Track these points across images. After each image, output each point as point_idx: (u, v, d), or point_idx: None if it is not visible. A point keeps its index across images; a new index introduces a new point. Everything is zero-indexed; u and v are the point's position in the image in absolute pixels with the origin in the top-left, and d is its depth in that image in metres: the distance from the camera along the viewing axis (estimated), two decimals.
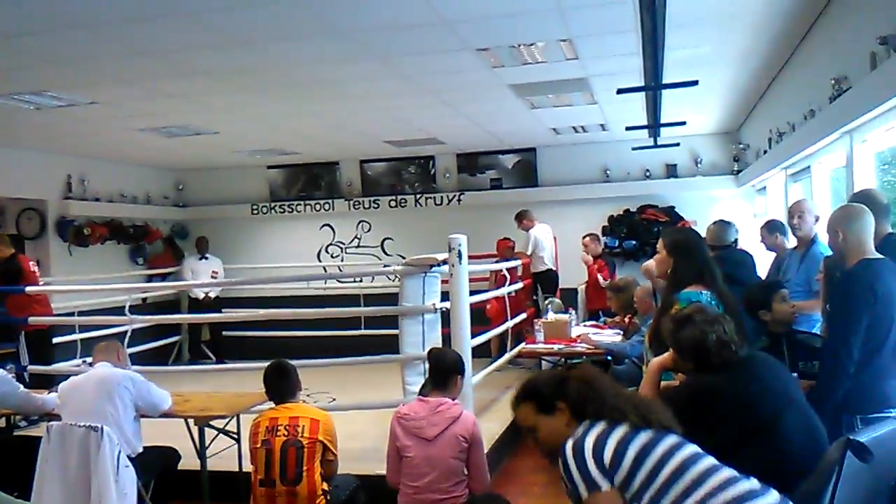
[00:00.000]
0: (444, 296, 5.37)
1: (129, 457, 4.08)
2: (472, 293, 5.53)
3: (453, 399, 3.58)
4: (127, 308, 6.69)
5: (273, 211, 10.68)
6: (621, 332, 6.27)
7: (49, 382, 5.72)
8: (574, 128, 8.53)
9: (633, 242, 9.35)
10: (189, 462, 4.56)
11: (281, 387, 3.93)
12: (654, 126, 6.77)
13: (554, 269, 8.83)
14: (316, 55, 5.18)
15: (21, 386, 4.56)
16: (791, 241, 4.98)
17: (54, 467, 3.95)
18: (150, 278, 10.11)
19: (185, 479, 4.57)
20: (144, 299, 9.59)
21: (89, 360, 4.95)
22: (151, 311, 9.37)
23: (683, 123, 6.67)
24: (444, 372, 3.63)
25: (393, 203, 10.30)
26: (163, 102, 6.38)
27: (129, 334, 6.38)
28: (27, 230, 8.86)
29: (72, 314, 7.78)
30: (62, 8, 4.03)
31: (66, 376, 4.77)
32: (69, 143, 8.28)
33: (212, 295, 9.89)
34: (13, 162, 8.29)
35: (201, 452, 4.45)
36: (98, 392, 4.32)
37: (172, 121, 7.27)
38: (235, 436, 4.65)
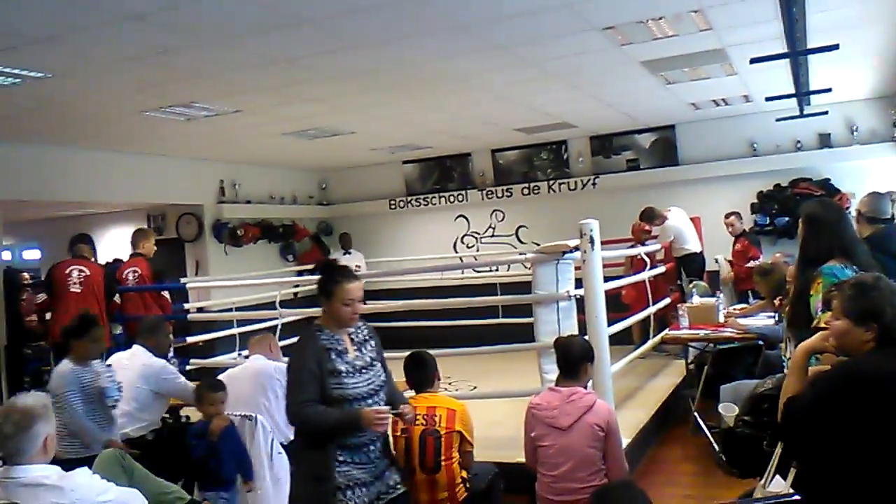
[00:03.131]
0: (580, 283, 5.29)
1: (282, 444, 4.32)
2: (608, 279, 5.41)
3: (584, 387, 3.53)
4: (277, 302, 7.08)
5: (409, 205, 10.94)
6: (774, 316, 5.93)
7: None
8: (714, 101, 8.11)
9: (786, 219, 8.78)
10: None
11: (418, 376, 4.01)
12: (797, 95, 6.32)
13: (698, 251, 8.47)
14: (440, 51, 5.23)
15: (182, 377, 4.93)
16: None
17: None
18: (299, 274, 10.62)
19: None
20: (296, 294, 10.11)
21: (246, 353, 5.30)
22: (302, 305, 9.85)
23: (828, 90, 6.18)
24: (572, 361, 3.58)
25: (526, 191, 10.26)
26: (300, 107, 6.68)
27: (279, 327, 6.76)
28: (186, 233, 9.59)
29: (230, 310, 8.32)
30: (203, 24, 4.30)
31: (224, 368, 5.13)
32: (219, 150, 8.85)
33: None
34: (171, 170, 8.98)
35: None
36: (253, 384, 4.62)
37: (311, 124, 7.59)
38: None
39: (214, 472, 4.07)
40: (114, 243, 10.58)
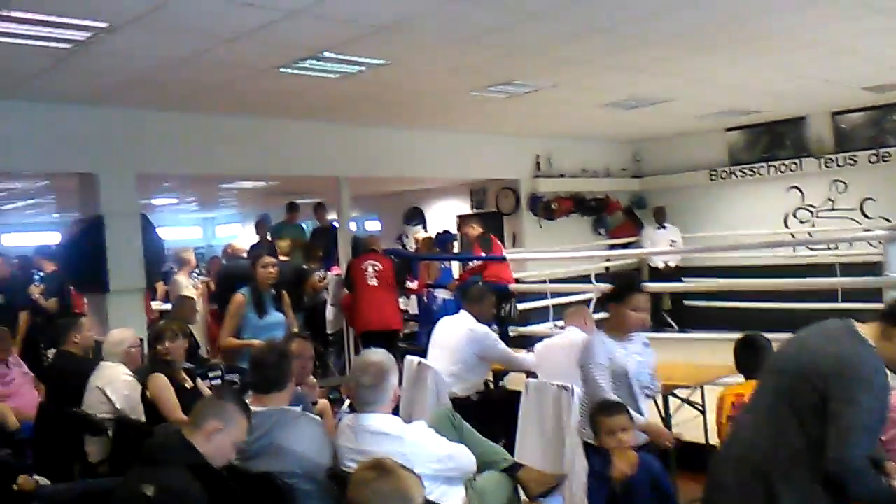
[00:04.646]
0: None
1: None
2: None
3: None
4: (592, 276, 7.08)
5: (733, 175, 10.19)
6: None
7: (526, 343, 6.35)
8: None
9: None
10: None
11: (753, 361, 3.72)
12: None
13: None
14: (771, 4, 4.73)
15: (503, 344, 5.12)
16: None
17: (532, 420, 4.34)
18: (611, 248, 10.54)
19: None
20: (607, 268, 10.06)
21: (560, 323, 5.37)
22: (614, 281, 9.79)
23: None
24: None
25: (874, 158, 8.98)
26: (617, 76, 6.53)
27: (593, 301, 6.74)
28: (504, 207, 10.05)
29: (544, 282, 8.52)
30: (518, 1, 4.37)
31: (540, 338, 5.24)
32: (536, 125, 9.05)
33: (671, 264, 9.90)
34: (491, 147, 9.43)
35: (666, 421, 4.47)
36: (568, 355, 4.64)
37: (628, 93, 7.40)
38: (700, 407, 4.56)
39: None
40: (440, 216, 11.45)
